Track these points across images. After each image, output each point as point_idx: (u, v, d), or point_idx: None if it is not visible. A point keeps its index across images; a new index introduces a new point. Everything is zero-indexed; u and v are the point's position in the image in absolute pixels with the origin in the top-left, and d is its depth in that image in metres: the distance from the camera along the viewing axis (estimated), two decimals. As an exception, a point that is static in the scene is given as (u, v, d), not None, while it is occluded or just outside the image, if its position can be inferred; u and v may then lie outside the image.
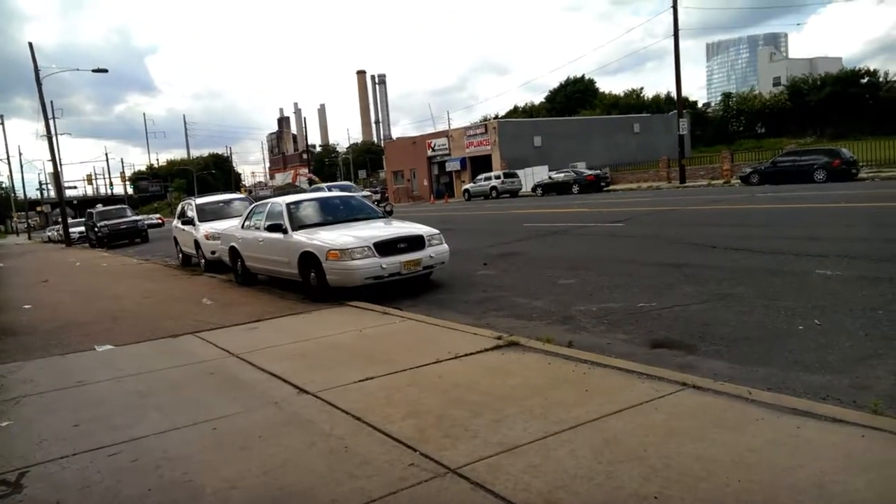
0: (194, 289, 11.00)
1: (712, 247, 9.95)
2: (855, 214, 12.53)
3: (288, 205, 9.60)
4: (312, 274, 8.41)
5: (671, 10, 32.86)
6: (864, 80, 63.31)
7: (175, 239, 16.00)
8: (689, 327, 5.59)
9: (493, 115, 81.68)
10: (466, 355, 5.09)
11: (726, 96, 78.01)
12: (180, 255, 15.58)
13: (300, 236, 8.79)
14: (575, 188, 36.04)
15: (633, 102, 75.32)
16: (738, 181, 28.05)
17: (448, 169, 53.01)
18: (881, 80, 63.18)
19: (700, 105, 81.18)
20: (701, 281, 7.47)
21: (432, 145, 54.60)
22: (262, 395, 4.58)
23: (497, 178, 41.10)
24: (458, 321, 6.53)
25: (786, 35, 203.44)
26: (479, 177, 43.25)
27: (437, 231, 8.96)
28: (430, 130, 73.09)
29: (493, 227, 17.94)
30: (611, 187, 37.40)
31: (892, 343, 4.63)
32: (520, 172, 42.41)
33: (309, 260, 8.43)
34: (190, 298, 9.84)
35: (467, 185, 44.63)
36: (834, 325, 5.23)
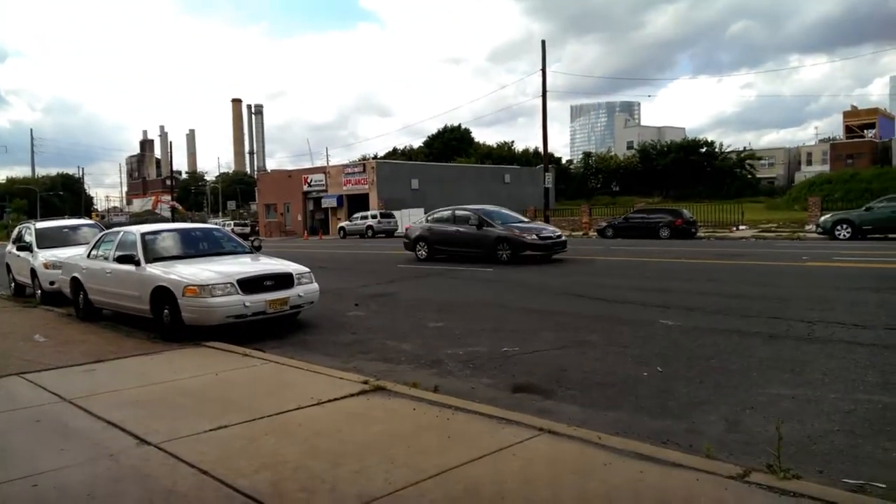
0: (26, 323, 9.80)
1: (572, 295, 10.56)
2: (693, 270, 13.91)
3: (143, 234, 8.92)
4: (166, 311, 7.81)
5: (541, 72, 35.32)
6: (703, 150, 71.58)
7: (7, 266, 14.25)
8: (548, 372, 5.83)
9: (372, 155, 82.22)
10: (330, 401, 4.93)
11: (587, 155, 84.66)
12: (12, 285, 13.88)
13: (155, 269, 8.17)
14: (448, 232, 36.82)
15: (504, 154, 79.29)
16: (595, 234, 30.22)
17: (324, 205, 52.29)
18: (717, 150, 71.80)
19: (564, 161, 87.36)
20: (561, 327, 7.87)
21: (309, 180, 53.71)
22: (96, 446, 4.11)
23: (374, 217, 41.13)
24: (324, 364, 6.33)
25: (639, 104, 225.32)
26: (356, 215, 43.06)
27: (307, 269, 8.73)
28: (308, 165, 72.04)
29: (367, 267, 17.82)
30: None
31: (722, 390, 5.11)
32: (396, 213, 42.77)
33: (163, 295, 7.83)
34: (19, 334, 8.74)
35: (343, 223, 44.24)
36: (674, 372, 5.69)
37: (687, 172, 67.72)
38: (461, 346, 7.04)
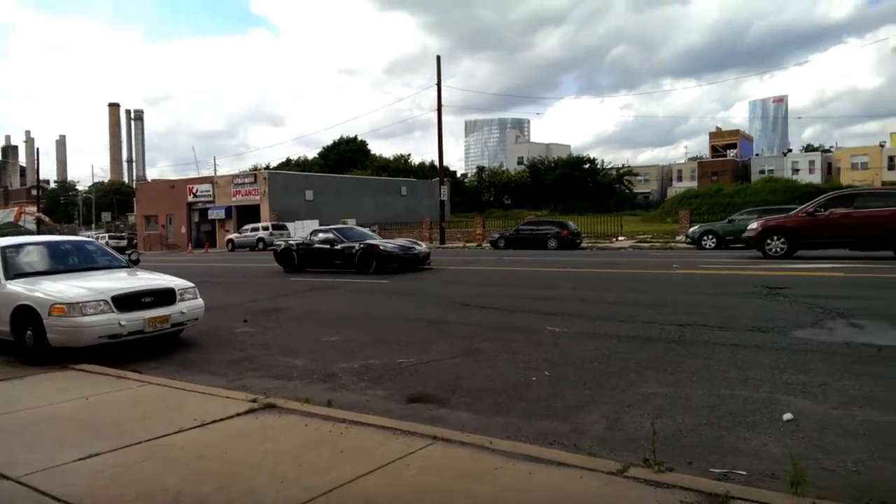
0: None
1: (465, 305, 10.76)
2: (578, 278, 14.63)
3: (3, 248, 8.10)
4: (29, 332, 7.12)
5: (436, 87, 35.93)
6: (587, 166, 75.69)
7: None
8: (443, 381, 5.90)
9: (264, 165, 79.66)
10: (215, 422, 4.69)
11: (480, 169, 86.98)
12: None
13: (17, 286, 7.43)
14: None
15: (401, 166, 79.66)
16: (489, 245, 31.04)
17: (211, 217, 49.95)
18: (599, 166, 76.22)
19: (459, 175, 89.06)
20: (455, 337, 7.99)
21: (194, 191, 51.11)
22: (-60, 486, 3.66)
23: (265, 229, 39.81)
24: (209, 384, 6.02)
25: (529, 121, 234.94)
26: (246, 227, 41.48)
27: (191, 284, 8.29)
28: (194, 175, 68.49)
29: (257, 281, 17.19)
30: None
31: (604, 391, 5.41)
32: (290, 225, 41.66)
33: (26, 315, 7.14)
34: None
35: (232, 235, 42.46)
36: (560, 376, 5.95)
37: (572, 187, 71.33)
38: (355, 359, 6.96)
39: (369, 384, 5.97)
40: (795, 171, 74.10)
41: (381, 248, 17.41)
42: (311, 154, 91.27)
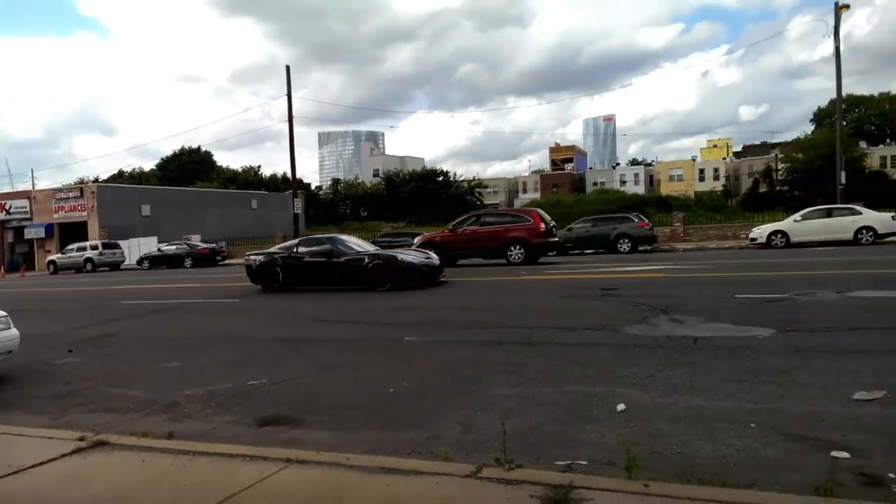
0: None
1: (321, 320, 10.54)
2: (436, 287, 14.92)
3: None
4: None
5: (286, 97, 34.96)
6: (440, 178, 77.76)
7: None
8: (297, 401, 5.71)
9: (92, 178, 72.39)
10: (35, 466, 4.15)
11: (335, 182, 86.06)
12: None
13: None
14: (188, 262, 34.17)
15: (251, 179, 76.48)
16: (346, 258, 30.72)
17: (28, 236, 44.45)
18: (451, 179, 78.63)
19: (314, 187, 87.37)
20: (311, 354, 7.78)
21: (7, 207, 45.17)
22: None
23: (94, 248, 36.19)
24: (27, 424, 5.32)
25: (383, 134, 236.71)
26: (71, 246, 37.39)
27: (2, 312, 7.29)
28: (7, 189, 60.50)
29: (84, 306, 15.51)
30: (227, 261, 36.63)
31: (458, 397, 5.55)
32: (123, 243, 38.23)
33: None
34: None
35: (54, 256, 38.05)
36: (417, 385, 6.02)
37: (427, 199, 72.89)
38: (201, 385, 6.52)
39: (216, 410, 5.62)
40: (623, 182, 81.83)
41: (401, 260, 14.81)
42: (149, 166, 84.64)
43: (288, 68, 35.08)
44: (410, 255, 15.55)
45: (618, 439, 4.17)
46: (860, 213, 22.98)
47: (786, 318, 8.09)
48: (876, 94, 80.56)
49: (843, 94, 31.61)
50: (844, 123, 43.09)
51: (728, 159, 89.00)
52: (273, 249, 16.81)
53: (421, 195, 73.38)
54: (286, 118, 35.10)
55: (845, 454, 3.74)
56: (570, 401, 5.20)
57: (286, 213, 47.54)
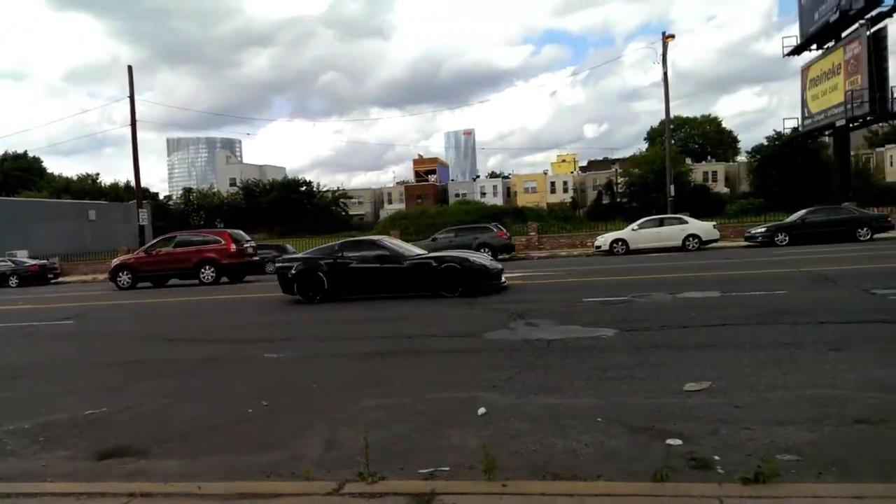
0: None
1: (172, 340, 9.81)
2: (295, 304, 14.49)
3: None
4: None
5: (129, 100, 32.32)
6: (303, 188, 76.02)
7: None
8: (142, 429, 5.25)
9: None
10: None
11: (187, 191, 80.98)
12: None
13: None
14: (14, 280, 30.30)
15: (88, 188, 69.76)
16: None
17: None
18: (315, 189, 77.12)
19: (162, 197, 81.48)
20: (161, 376, 7.21)
21: None
22: None
23: None
24: None
25: (240, 141, 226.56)
26: None
27: None
28: None
29: None
30: (61, 279, 32.98)
31: (322, 412, 5.41)
32: (-73, 261, 32.94)
33: None
34: None
35: None
36: (278, 404, 5.79)
37: (289, 209, 70.86)
38: (28, 418, 5.79)
39: (47, 446, 5.01)
40: (483, 194, 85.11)
41: (475, 262, 13.35)
42: (-39, 172, 74.20)
43: (130, 69, 32.49)
44: (479, 258, 14.19)
45: (479, 442, 4.29)
46: (687, 223, 25.74)
47: (626, 318, 8.83)
48: (699, 116, 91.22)
49: (671, 115, 35.33)
50: (673, 142, 48.14)
51: (575, 173, 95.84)
52: (307, 255, 14.67)
53: (283, 205, 71.12)
54: (129, 122, 32.45)
55: (678, 441, 4.14)
56: (434, 408, 5.28)
57: (130, 225, 43.84)
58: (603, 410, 4.87)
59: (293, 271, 13.73)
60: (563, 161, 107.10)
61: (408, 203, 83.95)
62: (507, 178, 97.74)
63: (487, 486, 3.44)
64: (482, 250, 25.70)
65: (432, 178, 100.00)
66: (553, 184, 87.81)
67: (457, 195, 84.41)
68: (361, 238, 16.80)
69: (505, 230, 28.38)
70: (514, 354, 7.02)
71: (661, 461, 3.81)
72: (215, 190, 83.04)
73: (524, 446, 4.26)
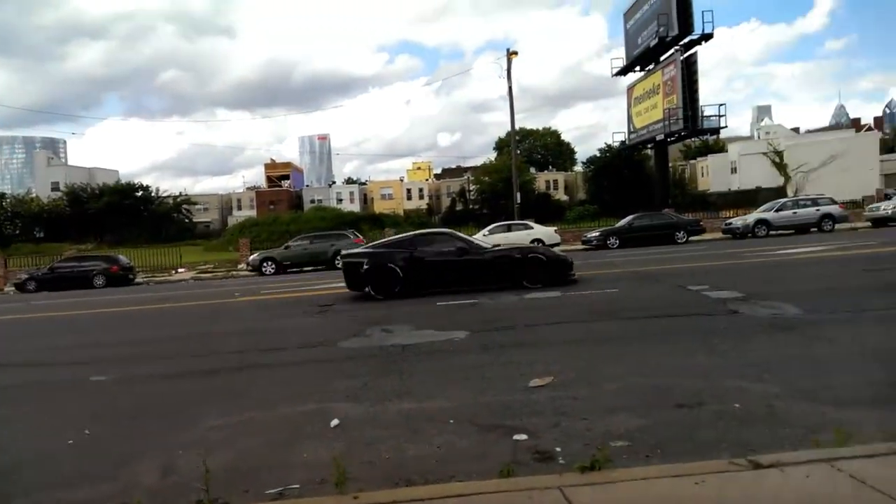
0: None
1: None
2: (130, 318, 13.28)
3: None
4: None
5: (-84, 88, 27.71)
6: (140, 194, 69.90)
7: None
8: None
9: None
10: None
11: (0, 197, 71.02)
12: None
13: None
14: None
15: None
16: (13, 289, 25.55)
17: None
18: (154, 194, 71.26)
19: (-35, 203, 70.74)
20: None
21: None
22: None
23: None
24: None
25: (65, 141, 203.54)
26: None
27: None
28: None
29: None
30: None
31: (158, 437, 4.96)
32: None
33: None
34: None
35: None
36: (105, 431, 5.22)
37: (124, 217, 64.80)
38: None
39: None
40: (339, 200, 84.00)
41: (557, 253, 14.11)
42: None
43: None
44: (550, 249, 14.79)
45: (331, 455, 4.17)
46: (532, 228, 27.32)
47: (477, 320, 9.13)
48: (541, 128, 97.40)
49: (517, 127, 37.33)
50: (518, 152, 50.90)
51: (430, 180, 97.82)
52: (375, 250, 13.57)
53: (115, 212, 64.85)
54: (-81, 115, 27.81)
55: (524, 436, 4.32)
56: (284, 423, 5.06)
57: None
58: (455, 412, 4.96)
59: (366, 266, 12.75)
60: (419, 168, 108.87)
61: (259, 209, 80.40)
62: (363, 184, 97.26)
63: (338, 501, 3.34)
64: (339, 258, 25.34)
65: (286, 183, 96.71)
66: (409, 191, 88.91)
67: (312, 201, 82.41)
68: (434, 230, 16.19)
69: (362, 237, 28.20)
70: (369, 361, 6.95)
71: (509, 457, 3.95)
72: (33, 195, 73.83)
73: (378, 455, 4.21)
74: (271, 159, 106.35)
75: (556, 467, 3.72)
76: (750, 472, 3.23)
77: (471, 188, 69.61)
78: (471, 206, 66.79)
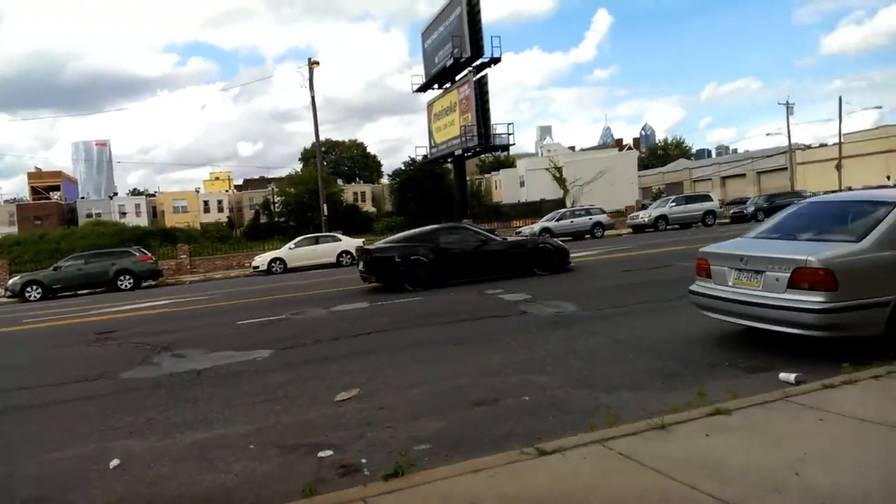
0: None
1: None
2: None
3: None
4: None
5: None
6: None
7: None
8: None
9: None
10: None
11: None
12: None
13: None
14: None
15: None
16: None
17: None
18: None
19: None
20: None
21: None
22: None
23: None
24: None
25: None
26: None
27: None
28: None
29: None
30: None
31: None
32: None
33: None
34: None
35: None
36: None
37: None
38: None
39: None
40: (123, 214, 75.62)
41: (560, 243, 15.55)
42: None
43: None
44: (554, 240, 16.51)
45: (111, 498, 3.70)
46: (340, 240, 27.14)
47: (282, 336, 8.80)
48: (347, 140, 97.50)
49: (322, 138, 36.91)
50: (325, 164, 50.37)
51: (231, 192, 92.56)
52: (400, 244, 14.27)
53: None
54: None
55: (329, 452, 4.24)
56: (52, 471, 4.39)
57: None
58: (256, 436, 4.71)
59: (398, 259, 13.43)
60: (218, 179, 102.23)
61: (21, 225, 69.13)
62: (152, 195, 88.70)
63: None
64: (122, 278, 22.77)
65: (55, 195, 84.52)
66: (207, 202, 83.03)
67: (89, 215, 72.99)
68: (451, 224, 17.11)
69: (150, 254, 25.64)
70: (158, 392, 6.31)
71: (313, 475, 3.84)
72: None
73: (166, 491, 3.84)
74: (36, 167, 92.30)
75: (361, 479, 3.70)
76: (536, 459, 3.51)
77: (275, 200, 67.17)
78: (276, 219, 64.41)
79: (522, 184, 65.24)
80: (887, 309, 5.06)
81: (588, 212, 30.83)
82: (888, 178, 49.93)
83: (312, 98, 32.64)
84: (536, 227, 29.97)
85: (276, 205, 66.50)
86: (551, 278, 13.23)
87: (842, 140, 51.50)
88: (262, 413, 5.29)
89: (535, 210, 44.68)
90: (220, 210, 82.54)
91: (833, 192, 28.14)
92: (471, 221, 32.52)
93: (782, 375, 4.87)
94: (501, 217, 46.97)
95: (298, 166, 77.22)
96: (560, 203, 46.27)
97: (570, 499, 3.03)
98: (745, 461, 3.30)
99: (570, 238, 28.82)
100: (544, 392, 5.19)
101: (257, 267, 25.75)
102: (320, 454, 4.21)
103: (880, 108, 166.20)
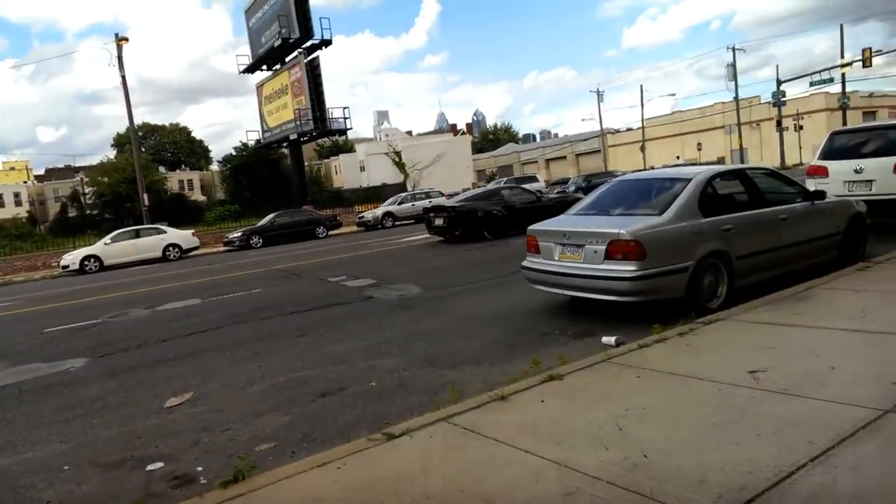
0: None
1: None
2: None
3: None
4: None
5: None
6: None
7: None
8: None
9: None
10: None
11: None
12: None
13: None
14: None
15: None
16: None
17: None
18: None
19: None
20: None
21: None
22: None
23: None
24: None
25: None
26: None
27: None
28: None
29: None
30: None
31: None
32: None
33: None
34: None
35: None
36: None
37: None
38: None
39: None
40: None
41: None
42: None
43: None
44: None
45: None
46: (166, 232, 25.00)
47: (99, 342, 7.93)
48: (168, 124, 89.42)
49: (139, 121, 33.59)
50: (143, 150, 45.96)
51: (30, 183, 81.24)
52: (471, 202, 16.70)
53: None
54: None
55: (160, 464, 3.89)
56: None
57: None
58: (71, 455, 4.19)
59: (479, 214, 15.85)
60: (13, 169, 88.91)
61: None
62: None
63: None
64: None
65: None
66: (1, 196, 72.10)
67: None
68: (510, 184, 19.33)
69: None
70: (-59, 418, 5.37)
71: (142, 491, 3.51)
72: None
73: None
74: None
75: (197, 489, 3.44)
76: (385, 444, 3.50)
77: (86, 191, 60.05)
78: (88, 212, 57.67)
79: (363, 168, 64.84)
80: (686, 274, 5.75)
81: (428, 195, 31.43)
82: (678, 157, 56.96)
83: (123, 77, 29.51)
84: (379, 211, 29.99)
85: (88, 196, 59.65)
86: (389, 263, 13.29)
87: (644, 125, 57.78)
88: (78, 429, 4.72)
89: (376, 195, 44.63)
90: (19, 204, 72.31)
91: (639, 171, 31.40)
92: (311, 208, 31.68)
93: (604, 339, 5.34)
94: (343, 202, 46.31)
95: (112, 153, 69.58)
96: (401, 187, 46.66)
97: (413, 480, 3.06)
98: (576, 422, 3.56)
99: (413, 221, 29.24)
100: (390, 375, 5.20)
101: (67, 266, 22.90)
102: (149, 467, 3.85)
103: (674, 95, 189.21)
